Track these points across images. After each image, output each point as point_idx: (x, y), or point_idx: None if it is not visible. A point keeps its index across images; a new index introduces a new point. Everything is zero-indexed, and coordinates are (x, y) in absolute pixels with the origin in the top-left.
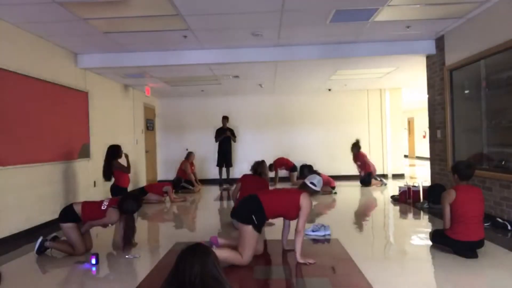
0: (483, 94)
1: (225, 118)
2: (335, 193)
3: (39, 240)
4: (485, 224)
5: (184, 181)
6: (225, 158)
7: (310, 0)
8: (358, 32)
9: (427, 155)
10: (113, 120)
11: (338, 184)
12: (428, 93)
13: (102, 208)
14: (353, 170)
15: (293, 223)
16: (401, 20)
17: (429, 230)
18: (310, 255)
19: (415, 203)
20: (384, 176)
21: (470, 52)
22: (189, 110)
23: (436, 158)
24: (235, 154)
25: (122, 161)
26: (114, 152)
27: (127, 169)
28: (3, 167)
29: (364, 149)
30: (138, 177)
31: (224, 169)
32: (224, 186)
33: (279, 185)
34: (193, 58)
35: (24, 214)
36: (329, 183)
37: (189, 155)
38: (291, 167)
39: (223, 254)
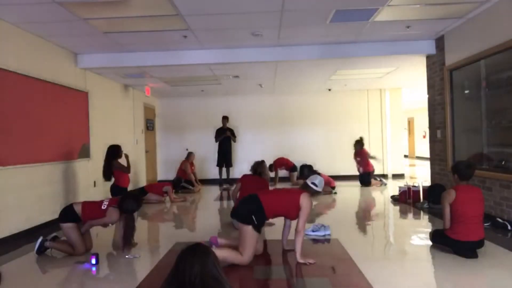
0: (483, 94)
1: (225, 118)
2: (335, 193)
3: (39, 240)
4: (485, 224)
5: (184, 181)
6: (225, 158)
7: (310, 0)
8: (358, 32)
9: (427, 155)
10: (113, 120)
11: (338, 184)
12: (428, 93)
13: (102, 207)
14: (353, 170)
15: (293, 223)
16: (401, 20)
17: (429, 230)
18: (310, 255)
19: (415, 203)
20: (384, 176)
21: (470, 52)
22: (189, 110)
23: (436, 158)
24: (235, 154)
25: (122, 161)
26: (114, 152)
27: (127, 169)
28: (3, 167)
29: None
30: (138, 177)
31: (224, 169)
32: (224, 186)
33: (279, 185)
34: (193, 58)
35: (24, 214)
36: (329, 183)
37: (189, 155)
38: (291, 167)
39: (223, 254)
